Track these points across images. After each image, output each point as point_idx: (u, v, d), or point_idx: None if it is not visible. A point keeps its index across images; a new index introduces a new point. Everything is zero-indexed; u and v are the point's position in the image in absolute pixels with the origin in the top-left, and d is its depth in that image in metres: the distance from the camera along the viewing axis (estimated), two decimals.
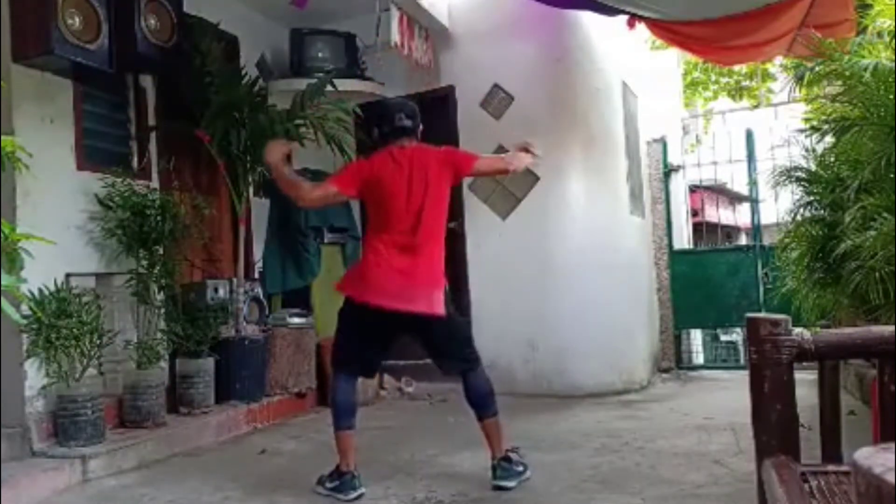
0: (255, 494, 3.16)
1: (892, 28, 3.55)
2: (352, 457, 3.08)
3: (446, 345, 3.19)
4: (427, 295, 3.03)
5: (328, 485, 3.08)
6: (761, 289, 6.14)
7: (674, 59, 8.71)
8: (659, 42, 6.36)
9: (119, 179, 4.15)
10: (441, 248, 3.18)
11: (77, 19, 3.75)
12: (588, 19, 5.37)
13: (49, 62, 3.78)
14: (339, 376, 3.18)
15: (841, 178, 3.25)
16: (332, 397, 3.20)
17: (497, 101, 5.65)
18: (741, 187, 7.75)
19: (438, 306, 3.04)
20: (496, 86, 5.65)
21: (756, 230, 6.49)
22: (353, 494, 3.01)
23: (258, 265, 5.46)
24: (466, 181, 5.51)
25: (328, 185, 3.24)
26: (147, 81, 4.65)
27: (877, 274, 2.77)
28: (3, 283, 1.69)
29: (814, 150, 3.71)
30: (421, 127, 3.26)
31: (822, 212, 3.49)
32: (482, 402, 3.14)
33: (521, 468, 3.13)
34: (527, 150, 3.29)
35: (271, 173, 3.36)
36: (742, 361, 6.69)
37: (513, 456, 3.15)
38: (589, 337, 5.36)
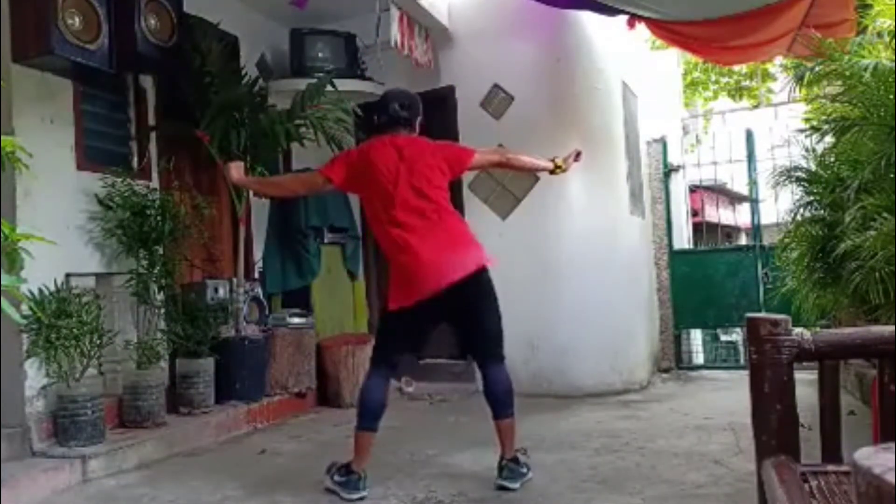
0: (255, 494, 3.16)
1: (892, 28, 3.55)
2: (366, 458, 3.07)
3: (480, 320, 3.12)
4: (469, 256, 3.02)
5: (336, 478, 3.07)
6: (761, 289, 6.14)
7: (674, 59, 8.71)
8: (659, 42, 6.36)
9: (119, 179, 4.15)
10: (458, 219, 3.20)
11: (77, 19, 3.75)
12: (588, 19, 5.37)
13: (49, 62, 3.77)
14: (375, 376, 3.14)
15: (841, 178, 3.26)
16: (361, 395, 3.15)
17: (497, 101, 5.65)
18: (741, 187, 7.75)
19: (474, 262, 3.03)
20: (496, 86, 5.65)
21: (756, 230, 6.48)
22: (356, 495, 3.01)
23: (258, 265, 5.45)
24: (466, 181, 5.52)
25: (316, 174, 3.34)
26: (147, 81, 4.65)
27: (877, 274, 2.77)
28: (3, 283, 1.69)
29: (814, 150, 3.71)
30: (420, 117, 3.28)
31: (822, 212, 3.49)
32: (501, 400, 3.12)
33: (524, 469, 3.13)
34: (576, 158, 3.52)
35: (251, 191, 3.54)
36: (742, 361, 6.69)
37: (521, 457, 3.15)
38: (589, 337, 5.35)
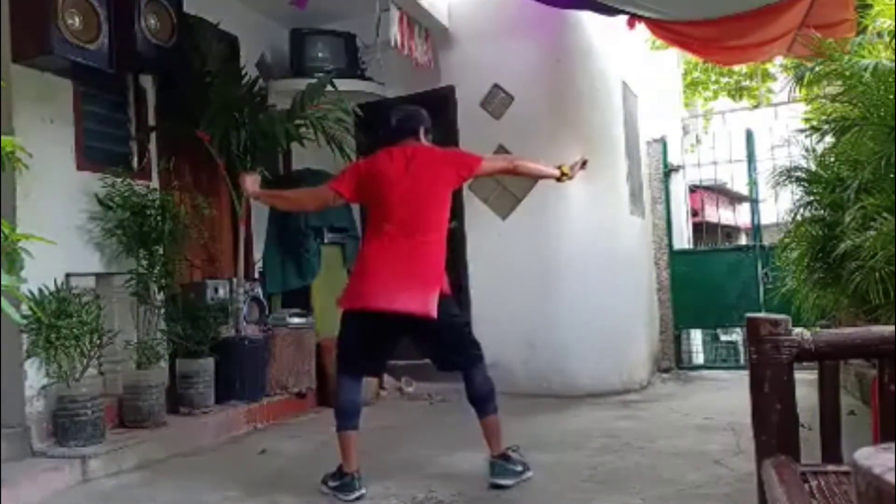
0: (255, 494, 3.16)
1: (892, 28, 3.55)
2: (354, 458, 3.07)
3: (446, 341, 3.17)
4: (422, 296, 3.01)
5: (331, 483, 3.09)
6: (761, 289, 6.14)
7: (674, 59, 8.71)
8: (659, 42, 6.36)
9: (119, 179, 4.15)
10: (442, 245, 3.18)
11: (77, 19, 3.75)
12: (588, 19, 5.37)
13: (49, 62, 3.78)
14: (344, 376, 3.18)
15: (841, 178, 3.25)
16: (336, 397, 3.20)
17: (497, 101, 5.65)
18: (741, 187, 7.75)
19: (432, 308, 3.02)
20: (496, 86, 5.65)
21: (756, 230, 6.49)
22: (354, 495, 3.01)
23: (258, 265, 5.46)
24: (466, 181, 5.51)
25: (326, 188, 3.35)
26: (147, 81, 4.65)
27: (877, 274, 2.77)
28: (3, 283, 1.69)
29: (814, 150, 3.71)
30: (425, 125, 3.30)
31: (822, 212, 3.49)
32: (483, 400, 3.14)
33: (520, 467, 3.12)
34: (582, 166, 3.57)
35: (265, 202, 3.83)
36: (742, 361, 6.69)
37: (513, 455, 3.15)
38: (589, 337, 5.35)
